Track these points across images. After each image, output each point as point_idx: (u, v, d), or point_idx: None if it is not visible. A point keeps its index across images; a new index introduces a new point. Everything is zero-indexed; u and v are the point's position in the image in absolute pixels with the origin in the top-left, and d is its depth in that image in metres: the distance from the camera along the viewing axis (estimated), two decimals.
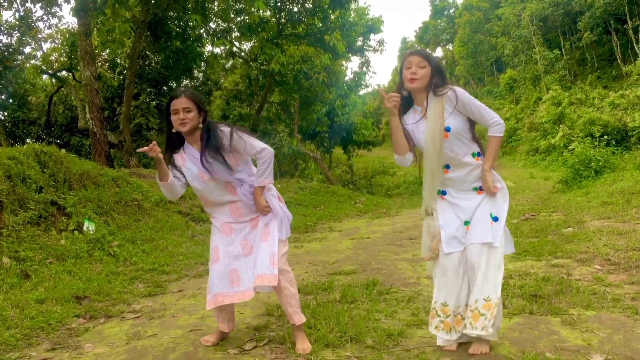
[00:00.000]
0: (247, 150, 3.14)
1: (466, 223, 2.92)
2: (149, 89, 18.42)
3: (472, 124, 2.97)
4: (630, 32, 31.54)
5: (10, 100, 20.87)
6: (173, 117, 3.12)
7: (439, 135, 2.87)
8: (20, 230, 5.64)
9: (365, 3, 47.89)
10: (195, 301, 4.53)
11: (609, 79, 33.88)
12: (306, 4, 18.34)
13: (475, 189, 2.95)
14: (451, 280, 2.93)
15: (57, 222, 6.21)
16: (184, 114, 3.08)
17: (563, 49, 39.21)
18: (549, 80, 37.44)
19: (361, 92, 30.74)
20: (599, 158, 14.66)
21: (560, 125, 26.52)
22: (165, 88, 20.18)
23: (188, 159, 3.20)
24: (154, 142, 3.08)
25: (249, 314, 4.03)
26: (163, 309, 4.25)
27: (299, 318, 3.19)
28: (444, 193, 3.02)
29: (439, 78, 2.94)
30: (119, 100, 16.99)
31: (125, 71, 17.41)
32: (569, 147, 18.72)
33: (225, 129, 3.14)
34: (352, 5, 20.67)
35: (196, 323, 3.86)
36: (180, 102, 3.09)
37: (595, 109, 27.07)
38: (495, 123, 2.89)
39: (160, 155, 3.09)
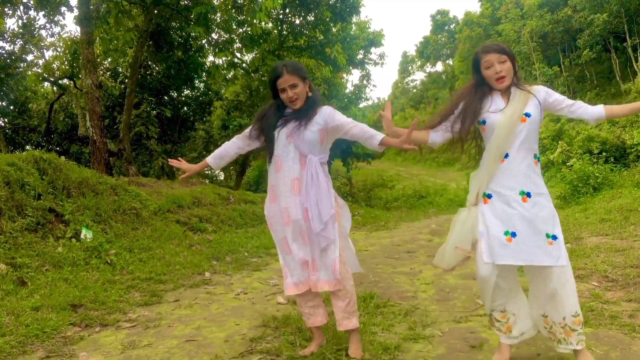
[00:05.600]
0: (342, 123, 3.16)
1: (506, 233, 2.78)
2: (150, 98, 18.46)
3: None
4: (630, 50, 31.75)
5: (11, 107, 20.89)
6: (282, 96, 3.15)
7: (517, 117, 2.82)
8: (17, 236, 5.62)
9: (366, 17, 48.27)
10: (192, 311, 4.51)
11: (608, 97, 34.00)
12: (308, 17, 18.45)
13: (522, 192, 2.80)
14: (495, 287, 2.86)
15: (54, 230, 6.19)
16: (292, 92, 3.12)
17: (562, 66, 39.41)
18: None
19: (361, 105, 30.86)
20: (597, 175, 14.66)
21: (559, 142, 26.57)
22: (166, 97, 20.23)
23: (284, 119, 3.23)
24: (183, 164, 3.31)
25: (245, 325, 4.01)
26: (159, 319, 4.23)
27: (353, 323, 3.18)
28: (489, 196, 2.89)
29: (518, 70, 2.95)
30: (120, 109, 17.02)
31: (126, 80, 17.46)
32: (568, 164, 18.73)
33: (326, 107, 3.26)
34: (354, 19, 20.80)
35: (192, 333, 3.84)
36: (285, 80, 3.11)
37: (594, 126, 27.15)
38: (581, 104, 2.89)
39: (187, 172, 3.32)
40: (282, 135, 3.17)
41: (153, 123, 17.65)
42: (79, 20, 12.32)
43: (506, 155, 2.85)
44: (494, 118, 2.88)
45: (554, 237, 2.75)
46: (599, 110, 2.84)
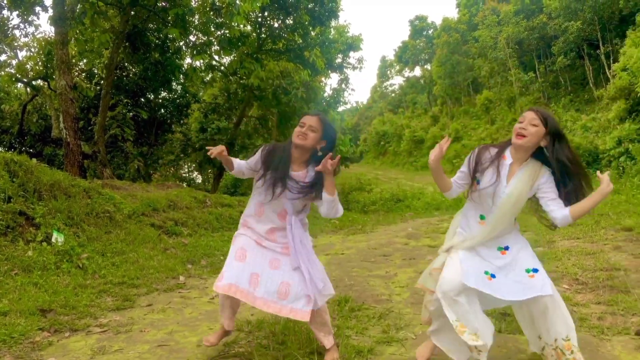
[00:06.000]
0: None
1: (486, 273, 2.82)
2: (125, 100, 18.24)
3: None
4: (602, 57, 32.40)
5: None
6: (297, 129, 3.16)
7: (520, 203, 2.83)
8: None
9: (345, 21, 48.35)
10: (165, 315, 4.46)
11: (581, 103, 34.63)
12: (287, 20, 18.46)
13: (499, 248, 2.90)
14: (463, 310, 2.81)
15: (25, 233, 6.07)
16: (307, 130, 3.12)
17: (538, 72, 40.05)
18: (523, 102, 38.14)
19: (340, 109, 30.94)
20: None
21: None
22: (142, 99, 20.01)
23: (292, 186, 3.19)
24: (223, 148, 3.10)
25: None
26: (131, 323, 4.17)
27: (329, 341, 3.19)
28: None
29: (553, 144, 2.77)
30: (95, 111, 16.77)
31: (102, 81, 17.24)
32: None
33: None
34: (333, 23, 20.86)
35: (164, 338, 3.79)
36: (311, 119, 3.15)
37: (568, 131, 27.60)
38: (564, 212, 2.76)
39: (224, 156, 3.10)
40: (269, 187, 3.16)
41: (129, 125, 17.42)
42: (54, 21, 12.13)
43: (482, 216, 2.93)
44: (490, 190, 2.85)
45: (535, 270, 2.80)
46: (564, 213, 2.75)
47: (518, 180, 2.83)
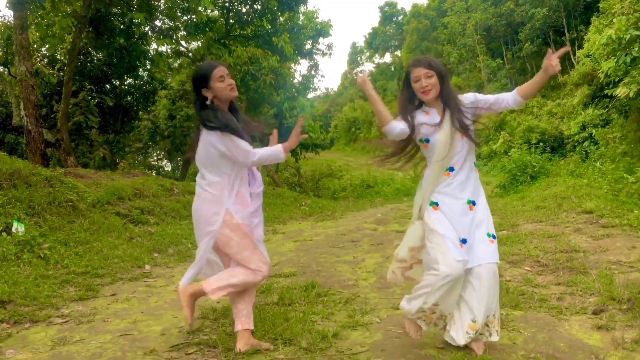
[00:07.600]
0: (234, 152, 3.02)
1: (459, 239, 2.85)
2: (89, 87, 17.81)
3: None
4: (568, 44, 32.96)
5: None
6: (221, 85, 3.04)
7: (458, 135, 2.93)
8: None
9: (314, 7, 48.17)
10: (129, 305, 4.40)
11: (547, 89, 35.17)
12: (255, 5, 18.21)
13: (469, 201, 2.92)
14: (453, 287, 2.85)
15: None
16: (230, 78, 3.08)
17: (505, 59, 40.54)
18: (491, 88, 38.58)
19: (310, 95, 30.79)
20: (534, 164, 15.21)
21: (501, 132, 27.38)
22: (107, 86, 19.58)
23: None
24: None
25: (183, 318, 3.94)
26: (93, 313, 4.10)
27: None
28: (436, 204, 2.93)
29: (447, 84, 2.98)
30: (58, 98, 16.31)
31: (65, 67, 16.78)
32: (509, 153, 19.35)
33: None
34: (302, 9, 20.67)
35: (127, 327, 3.74)
36: (224, 70, 3.07)
37: (534, 117, 28.09)
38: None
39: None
40: None
41: (93, 112, 17.02)
42: (12, 4, 11.73)
43: (451, 169, 2.95)
44: (432, 138, 2.95)
45: (494, 237, 2.93)
46: (514, 97, 2.93)
47: (448, 117, 2.96)
